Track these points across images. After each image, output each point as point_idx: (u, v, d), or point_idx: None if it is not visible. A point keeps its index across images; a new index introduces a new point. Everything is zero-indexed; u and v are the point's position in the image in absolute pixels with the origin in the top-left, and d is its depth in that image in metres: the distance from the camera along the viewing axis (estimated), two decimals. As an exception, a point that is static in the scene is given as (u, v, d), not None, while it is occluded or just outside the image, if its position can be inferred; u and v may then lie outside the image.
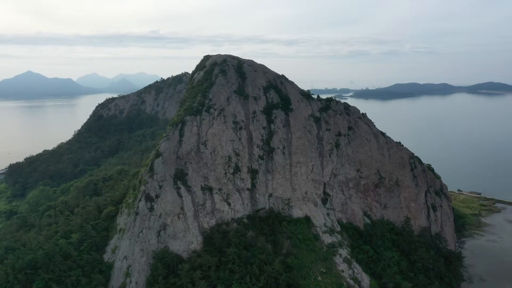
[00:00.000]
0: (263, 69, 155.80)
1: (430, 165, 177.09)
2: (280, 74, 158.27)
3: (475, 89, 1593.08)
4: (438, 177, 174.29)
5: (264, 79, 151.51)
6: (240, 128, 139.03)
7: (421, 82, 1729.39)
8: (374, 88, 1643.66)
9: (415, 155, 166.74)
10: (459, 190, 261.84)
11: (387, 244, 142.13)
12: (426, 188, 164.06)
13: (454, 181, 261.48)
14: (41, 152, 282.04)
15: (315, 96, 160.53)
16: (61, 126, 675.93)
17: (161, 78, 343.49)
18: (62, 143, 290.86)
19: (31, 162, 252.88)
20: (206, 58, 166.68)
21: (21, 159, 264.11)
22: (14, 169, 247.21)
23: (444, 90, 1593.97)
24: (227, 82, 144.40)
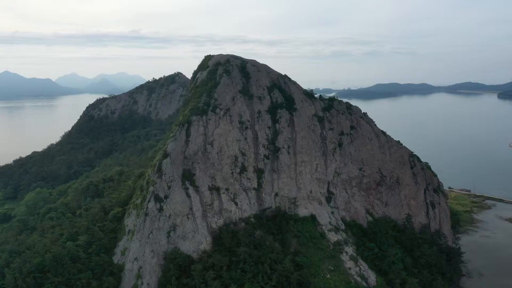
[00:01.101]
0: (266, 69, 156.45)
1: (427, 163, 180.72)
2: (283, 74, 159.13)
3: (454, 89, 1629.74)
4: (435, 175, 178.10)
5: (268, 79, 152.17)
6: (246, 128, 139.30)
7: (402, 82, 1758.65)
8: (356, 88, 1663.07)
9: (414, 153, 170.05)
10: (449, 188, 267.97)
11: (390, 241, 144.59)
12: (425, 185, 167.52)
13: (444, 179, 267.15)
14: (30, 153, 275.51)
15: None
16: (42, 127, 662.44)
17: (153, 78, 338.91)
18: (52, 144, 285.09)
19: (22, 164, 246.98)
20: (208, 57, 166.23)
21: (4, 161, 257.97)
22: (4, 171, 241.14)
23: (424, 90, 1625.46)
24: (231, 82, 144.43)
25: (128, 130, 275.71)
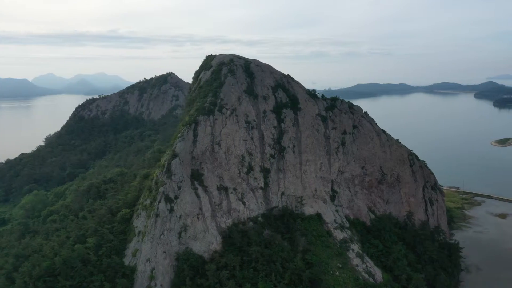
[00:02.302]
0: (269, 68, 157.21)
1: (424, 161, 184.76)
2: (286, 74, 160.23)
3: (431, 89, 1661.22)
4: (432, 173, 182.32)
5: (272, 78, 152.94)
6: (252, 127, 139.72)
7: (381, 83, 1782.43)
8: (336, 89, 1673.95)
9: (412, 151, 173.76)
10: (439, 185, 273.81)
11: (394, 238, 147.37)
12: (423, 183, 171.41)
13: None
14: (18, 155, 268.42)
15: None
16: (21, 128, 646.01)
17: (144, 78, 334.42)
18: (41, 145, 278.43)
19: (11, 166, 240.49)
20: (210, 57, 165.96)
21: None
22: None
23: (403, 90, 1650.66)
24: (236, 82, 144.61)
25: (120, 131, 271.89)
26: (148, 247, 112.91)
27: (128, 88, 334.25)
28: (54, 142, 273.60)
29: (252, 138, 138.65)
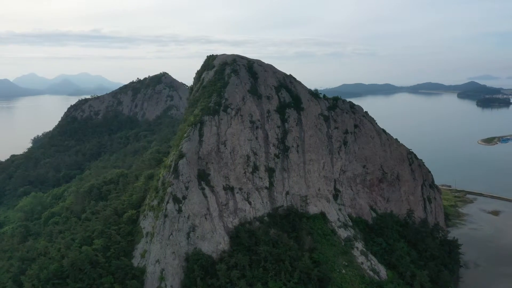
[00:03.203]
0: (272, 68, 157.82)
1: (422, 160, 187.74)
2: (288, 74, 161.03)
3: (415, 89, 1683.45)
4: (429, 171, 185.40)
5: (274, 78, 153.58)
6: (257, 127, 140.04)
7: (366, 83, 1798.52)
8: (322, 89, 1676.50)
9: (411, 150, 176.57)
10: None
11: (395, 236, 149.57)
12: (422, 181, 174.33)
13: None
14: (4, 157, 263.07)
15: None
16: (5, 129, 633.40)
17: (138, 78, 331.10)
18: (32, 147, 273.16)
19: (3, 168, 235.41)
20: (212, 57, 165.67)
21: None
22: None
23: (387, 90, 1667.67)
24: (240, 82, 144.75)
25: (114, 132, 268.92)
26: (157, 248, 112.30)
27: (121, 88, 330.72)
28: (47, 143, 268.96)
29: (257, 138, 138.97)
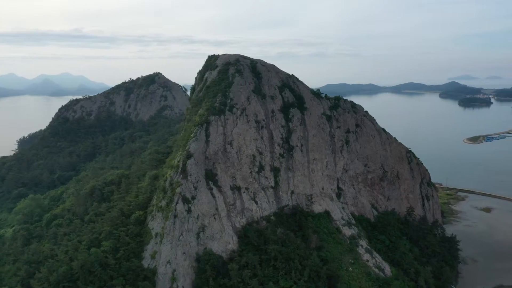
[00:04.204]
0: (274, 69, 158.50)
1: (419, 158, 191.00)
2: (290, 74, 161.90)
3: (398, 89, 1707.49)
4: (426, 170, 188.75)
5: (278, 78, 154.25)
6: (262, 127, 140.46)
7: (350, 83, 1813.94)
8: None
9: (409, 149, 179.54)
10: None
11: (397, 233, 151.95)
12: (420, 179, 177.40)
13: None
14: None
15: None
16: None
17: (131, 78, 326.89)
18: (22, 149, 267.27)
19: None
20: (213, 57, 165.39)
21: None
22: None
23: (371, 90, 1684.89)
24: (244, 82, 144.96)
25: (108, 132, 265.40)
26: (168, 249, 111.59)
27: (113, 88, 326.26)
28: (38, 144, 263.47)
29: (262, 138, 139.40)
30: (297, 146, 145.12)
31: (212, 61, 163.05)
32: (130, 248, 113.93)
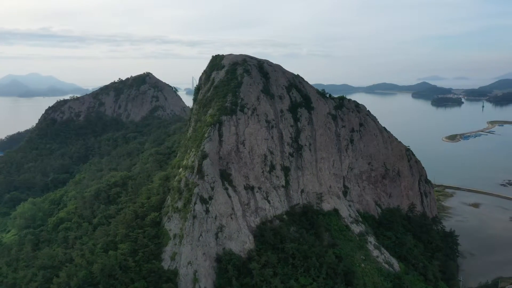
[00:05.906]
0: (281, 69, 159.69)
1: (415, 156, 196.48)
2: (296, 74, 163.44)
3: (371, 89, 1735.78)
4: (423, 167, 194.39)
5: (284, 78, 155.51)
6: (272, 127, 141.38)
7: (325, 83, 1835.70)
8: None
9: (409, 147, 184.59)
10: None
11: (402, 229, 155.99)
12: (419, 177, 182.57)
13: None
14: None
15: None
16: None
17: (120, 79, 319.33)
18: (7, 151, 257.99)
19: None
20: (219, 57, 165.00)
21: None
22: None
23: (345, 90, 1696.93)
24: (253, 82, 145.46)
25: (99, 133, 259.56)
26: (188, 250, 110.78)
27: (102, 88, 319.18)
28: (26, 147, 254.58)
29: (272, 137, 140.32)
30: (305, 145, 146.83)
31: (217, 61, 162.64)
32: (149, 250, 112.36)
